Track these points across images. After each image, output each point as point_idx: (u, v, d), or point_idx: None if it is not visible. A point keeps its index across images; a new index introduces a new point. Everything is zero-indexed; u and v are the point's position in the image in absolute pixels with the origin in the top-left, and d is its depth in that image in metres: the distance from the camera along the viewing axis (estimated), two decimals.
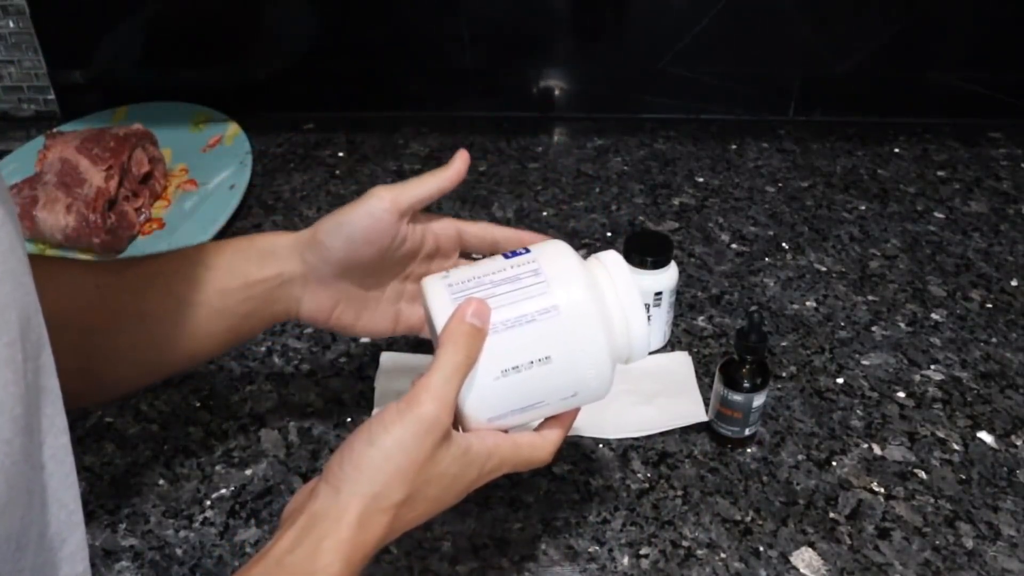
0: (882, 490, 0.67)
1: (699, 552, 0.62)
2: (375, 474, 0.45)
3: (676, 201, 1.00)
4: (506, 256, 0.53)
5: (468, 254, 0.65)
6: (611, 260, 0.53)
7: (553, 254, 0.52)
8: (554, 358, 0.49)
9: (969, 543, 0.63)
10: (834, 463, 0.69)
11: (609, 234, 0.94)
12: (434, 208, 1.00)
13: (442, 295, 0.50)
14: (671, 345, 0.80)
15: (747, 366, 0.67)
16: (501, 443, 0.50)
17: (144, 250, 0.92)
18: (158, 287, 0.57)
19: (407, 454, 0.45)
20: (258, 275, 0.58)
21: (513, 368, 0.49)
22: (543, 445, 0.53)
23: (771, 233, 0.95)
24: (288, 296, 0.59)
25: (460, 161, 0.60)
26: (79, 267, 0.58)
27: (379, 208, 0.57)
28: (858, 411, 0.74)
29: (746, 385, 0.66)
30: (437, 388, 0.46)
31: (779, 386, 0.76)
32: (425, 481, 0.46)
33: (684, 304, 0.84)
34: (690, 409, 0.72)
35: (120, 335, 0.56)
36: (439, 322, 0.49)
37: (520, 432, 0.52)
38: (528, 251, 0.52)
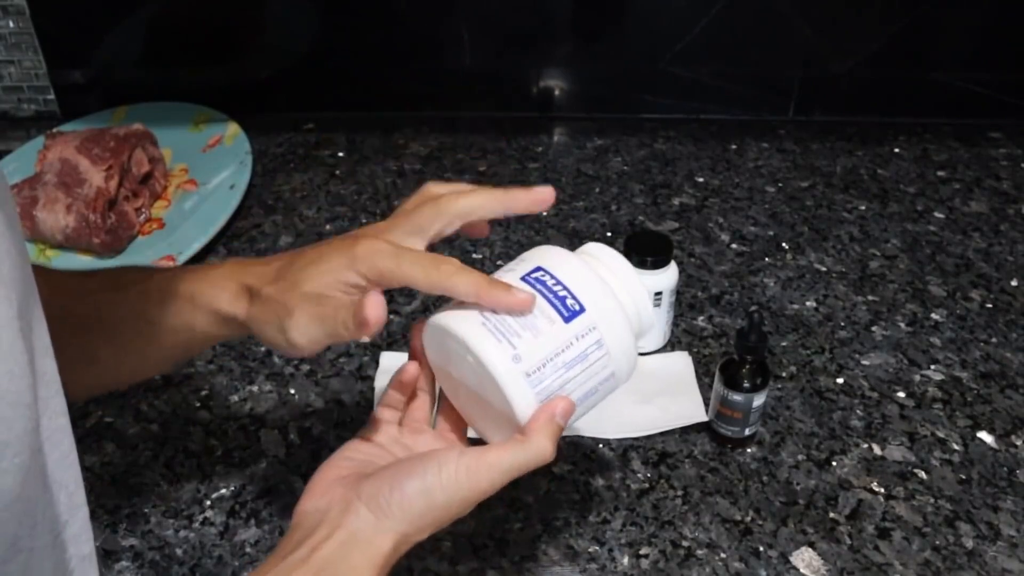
0: (882, 490, 0.67)
1: (699, 552, 0.62)
2: (419, 520, 0.47)
3: (676, 201, 1.00)
4: (563, 317, 0.49)
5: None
6: (607, 256, 0.53)
7: (604, 309, 0.51)
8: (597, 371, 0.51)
9: (969, 543, 0.63)
10: (834, 463, 0.69)
11: (609, 234, 0.94)
12: None
13: (520, 385, 0.48)
14: (671, 345, 0.80)
15: (747, 366, 0.67)
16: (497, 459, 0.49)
17: (144, 250, 0.92)
18: (104, 336, 0.56)
19: (450, 510, 0.48)
20: (212, 333, 0.55)
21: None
22: (527, 441, 0.50)
23: (771, 233, 0.95)
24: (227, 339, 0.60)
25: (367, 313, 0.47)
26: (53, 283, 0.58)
27: (296, 345, 0.50)
28: (858, 411, 0.74)
29: (746, 385, 0.66)
30: (499, 470, 0.47)
31: (779, 386, 0.76)
32: (450, 513, 0.49)
33: (684, 304, 0.84)
34: (690, 409, 0.72)
35: (113, 356, 0.57)
36: (522, 414, 0.48)
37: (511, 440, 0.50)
38: (582, 308, 0.50)
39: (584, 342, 0.49)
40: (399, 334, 0.81)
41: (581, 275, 0.51)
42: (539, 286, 0.50)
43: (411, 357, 0.55)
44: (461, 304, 0.49)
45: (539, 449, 0.47)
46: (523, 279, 0.50)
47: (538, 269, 0.51)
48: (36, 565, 0.34)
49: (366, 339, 0.47)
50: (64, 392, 0.47)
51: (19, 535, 0.31)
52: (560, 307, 0.49)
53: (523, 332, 0.48)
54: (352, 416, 0.73)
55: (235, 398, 0.75)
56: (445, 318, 0.49)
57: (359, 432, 0.54)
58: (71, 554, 0.37)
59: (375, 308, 0.45)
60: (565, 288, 0.50)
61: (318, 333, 0.48)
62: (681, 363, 0.77)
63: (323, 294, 0.49)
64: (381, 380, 0.75)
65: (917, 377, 0.77)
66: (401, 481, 0.47)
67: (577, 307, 0.49)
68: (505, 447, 0.48)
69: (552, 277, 0.50)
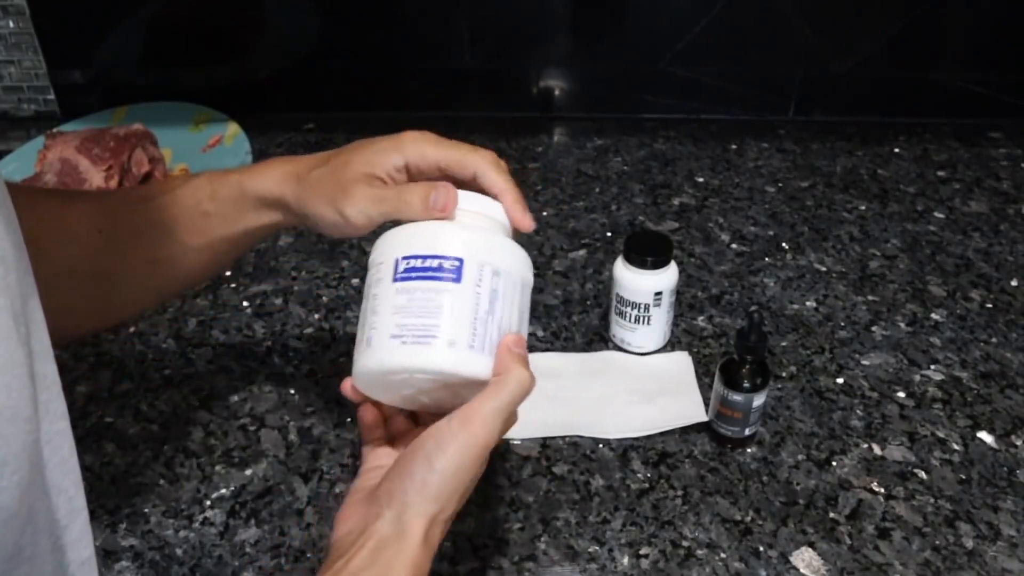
0: (882, 490, 0.67)
1: (699, 552, 0.62)
2: (438, 494, 0.48)
3: (676, 201, 1.00)
4: (453, 279, 0.50)
5: None
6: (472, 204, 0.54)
7: (472, 241, 0.51)
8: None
9: (969, 543, 0.63)
10: (834, 463, 0.69)
11: (609, 234, 0.94)
12: None
13: (471, 359, 0.49)
14: (671, 345, 0.80)
15: (747, 366, 0.67)
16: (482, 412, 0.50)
17: None
18: (160, 234, 0.59)
19: (464, 474, 0.48)
20: (256, 223, 0.59)
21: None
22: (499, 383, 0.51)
23: (771, 233, 0.95)
24: (281, 227, 0.61)
25: (442, 198, 0.53)
26: (81, 208, 0.59)
27: (353, 229, 0.56)
28: (858, 411, 0.74)
29: (746, 385, 0.66)
30: (488, 415, 0.48)
31: (779, 386, 0.76)
32: (467, 488, 0.50)
33: (684, 304, 0.84)
34: (690, 409, 0.72)
35: (124, 276, 0.59)
36: (488, 376, 0.50)
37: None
38: (459, 259, 0.50)
39: (485, 283, 0.50)
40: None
41: (432, 232, 0.51)
42: (413, 273, 0.50)
43: (360, 409, 0.56)
44: (368, 334, 0.50)
45: (517, 378, 0.49)
46: (396, 280, 0.50)
47: (398, 261, 0.51)
48: (36, 571, 0.33)
49: (436, 216, 0.52)
50: (137, 298, 0.60)
51: (21, 546, 0.31)
52: (443, 274, 0.50)
53: (436, 318, 0.49)
54: (352, 416, 0.73)
55: (235, 398, 0.75)
56: (366, 363, 0.50)
57: (360, 469, 0.55)
58: (70, 559, 0.37)
59: (446, 193, 0.52)
60: (432, 256, 0.50)
61: (375, 211, 0.53)
62: (681, 363, 0.77)
63: (375, 175, 0.55)
64: None
65: (917, 377, 0.77)
66: (408, 469, 0.48)
67: (456, 262, 0.50)
68: (486, 393, 0.49)
69: (415, 257, 0.50)
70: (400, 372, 0.49)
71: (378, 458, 0.55)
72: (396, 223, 0.53)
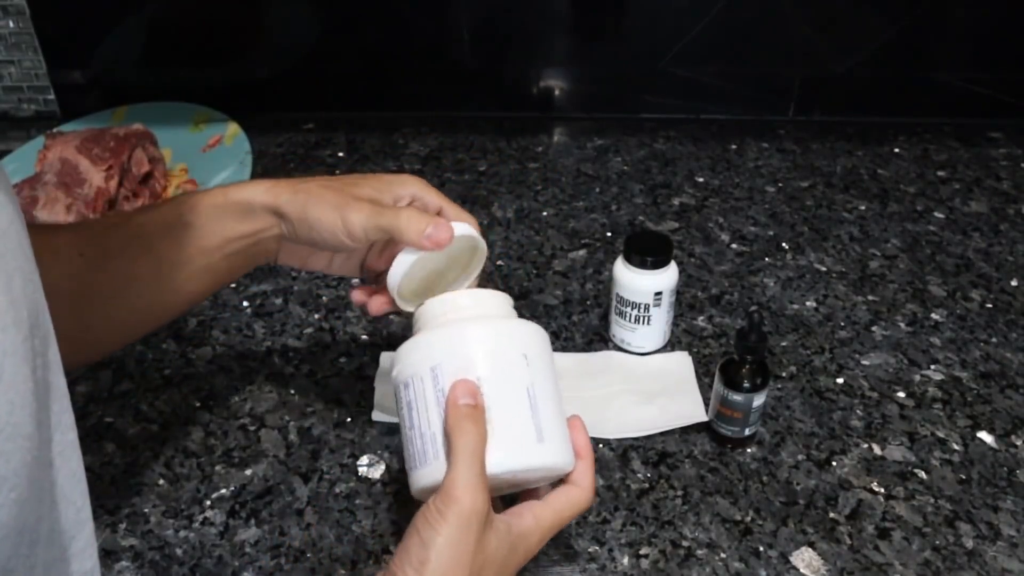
0: (882, 490, 0.67)
1: (699, 552, 0.62)
2: (434, 572, 0.47)
3: (676, 201, 1.00)
4: (507, 381, 0.52)
5: None
6: (438, 305, 0.55)
7: (498, 344, 0.52)
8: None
9: (969, 543, 0.63)
10: (834, 463, 0.69)
11: (609, 234, 0.94)
12: None
13: (430, 402, 0.51)
14: (671, 345, 0.80)
15: (747, 366, 0.67)
16: (540, 514, 0.52)
17: None
18: (141, 250, 0.59)
19: (458, 547, 0.47)
20: (237, 232, 0.60)
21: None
22: (579, 492, 0.53)
23: (771, 233, 0.95)
24: (265, 249, 0.62)
25: (439, 234, 0.55)
26: (64, 237, 0.59)
27: (348, 236, 0.57)
28: (858, 411, 0.74)
29: (746, 385, 0.66)
30: (464, 478, 0.48)
31: (779, 386, 0.76)
32: (480, 567, 0.48)
33: (684, 304, 0.84)
34: (690, 409, 0.72)
35: (108, 298, 0.58)
36: (439, 427, 0.51)
37: (552, 493, 0.53)
38: (491, 366, 0.51)
39: (521, 372, 0.51)
40: (399, 335, 0.81)
41: (454, 347, 0.52)
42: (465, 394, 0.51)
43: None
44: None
45: (463, 434, 0.49)
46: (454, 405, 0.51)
47: (443, 387, 0.51)
48: None
49: (426, 251, 0.54)
50: (122, 320, 0.58)
51: (12, 566, 0.31)
52: (493, 382, 0.51)
53: (519, 414, 0.51)
54: (352, 416, 0.73)
55: (235, 398, 0.75)
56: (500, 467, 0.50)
57: None
58: (74, 569, 0.37)
59: (444, 230, 0.54)
60: (471, 371, 0.51)
61: (372, 223, 0.55)
62: (681, 363, 0.77)
63: (381, 200, 0.58)
64: (381, 380, 0.75)
65: (917, 377, 0.77)
66: (405, 546, 0.48)
67: (487, 368, 0.51)
68: (451, 459, 0.49)
69: (452, 375, 0.51)
70: (527, 474, 0.52)
71: None
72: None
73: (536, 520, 0.51)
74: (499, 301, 0.55)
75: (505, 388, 0.51)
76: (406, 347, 0.53)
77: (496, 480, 0.50)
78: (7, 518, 0.29)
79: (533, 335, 0.54)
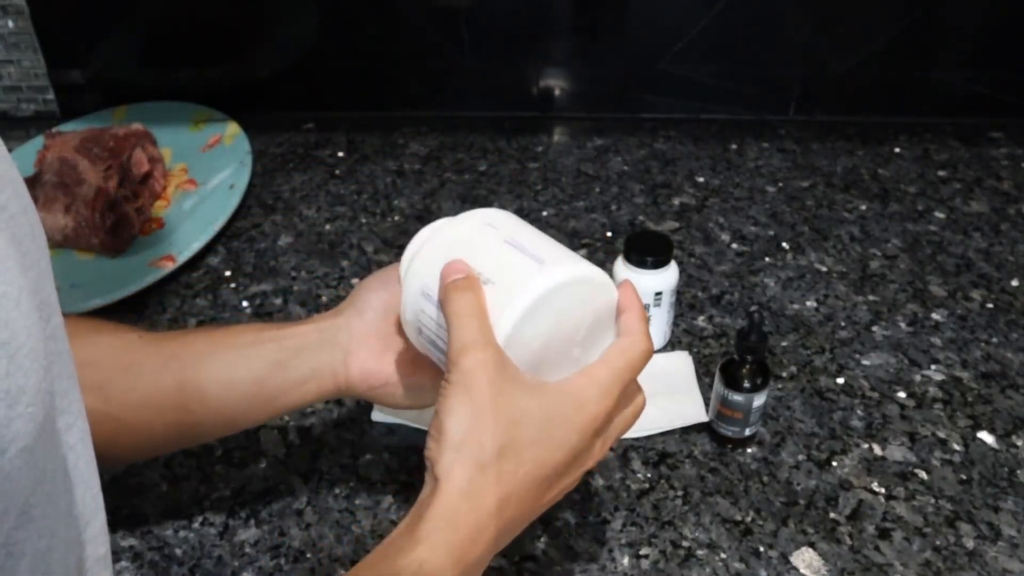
0: (882, 490, 0.67)
1: (699, 552, 0.62)
2: (452, 433, 0.44)
3: (676, 201, 1.00)
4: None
5: None
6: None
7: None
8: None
9: (970, 543, 0.63)
10: (834, 463, 0.69)
11: (609, 234, 0.94)
12: (434, 208, 1.00)
13: (437, 317, 0.51)
14: (671, 345, 0.80)
15: (747, 366, 0.67)
16: (592, 370, 0.47)
17: (144, 250, 0.91)
18: (198, 402, 0.57)
19: (469, 399, 0.44)
20: (300, 393, 0.58)
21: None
22: (630, 340, 0.48)
23: (771, 233, 0.94)
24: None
25: None
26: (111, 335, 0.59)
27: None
28: (858, 411, 0.73)
29: (746, 385, 0.66)
30: (459, 339, 0.45)
31: (779, 386, 0.76)
32: (510, 421, 0.44)
33: (684, 304, 0.84)
34: (690, 409, 0.72)
35: (163, 428, 0.58)
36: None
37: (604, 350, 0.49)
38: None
39: (492, 235, 0.51)
40: None
41: (430, 261, 0.51)
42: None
43: None
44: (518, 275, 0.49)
45: (455, 299, 0.47)
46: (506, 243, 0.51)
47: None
48: (60, 559, 0.34)
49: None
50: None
51: (31, 503, 0.31)
52: (473, 257, 0.50)
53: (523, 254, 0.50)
54: (352, 416, 0.73)
55: None
56: (556, 278, 0.48)
57: None
58: (88, 553, 0.38)
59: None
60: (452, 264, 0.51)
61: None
62: (681, 363, 0.77)
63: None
64: None
65: (918, 377, 0.77)
66: (427, 439, 0.48)
67: (462, 251, 0.51)
68: (454, 329, 0.47)
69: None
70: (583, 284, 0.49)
71: None
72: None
73: (589, 377, 0.46)
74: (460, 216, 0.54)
75: (487, 256, 0.49)
76: (402, 300, 0.53)
77: (524, 338, 0.47)
78: (27, 429, 0.28)
79: (491, 212, 0.53)
